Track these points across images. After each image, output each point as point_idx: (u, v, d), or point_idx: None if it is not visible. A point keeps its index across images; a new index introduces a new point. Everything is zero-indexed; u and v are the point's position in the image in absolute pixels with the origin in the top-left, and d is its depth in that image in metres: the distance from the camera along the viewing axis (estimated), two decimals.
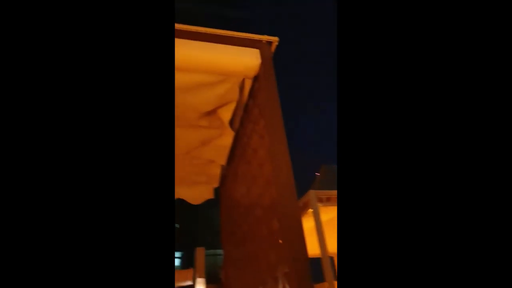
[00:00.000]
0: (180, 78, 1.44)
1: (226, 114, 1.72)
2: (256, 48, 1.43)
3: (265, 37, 1.45)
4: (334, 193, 3.05)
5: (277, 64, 1.50)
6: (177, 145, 1.92)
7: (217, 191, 2.63)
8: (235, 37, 1.44)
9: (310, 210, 2.96)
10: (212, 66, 1.42)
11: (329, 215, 3.40)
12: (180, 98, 1.52)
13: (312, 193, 3.01)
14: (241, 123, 1.88)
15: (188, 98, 1.54)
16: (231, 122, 1.85)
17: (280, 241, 1.23)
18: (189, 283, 2.72)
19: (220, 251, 3.18)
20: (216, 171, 2.41)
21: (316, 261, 2.66)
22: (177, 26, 1.35)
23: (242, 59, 1.41)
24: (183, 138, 1.88)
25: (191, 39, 1.36)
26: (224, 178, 2.50)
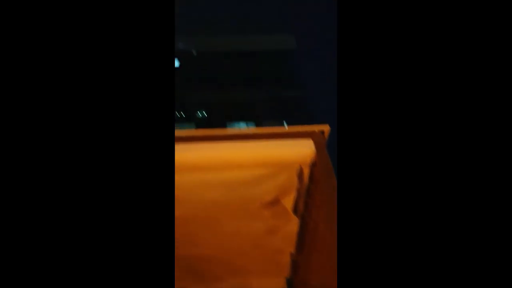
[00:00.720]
0: (241, 174, 1.56)
1: (288, 201, 1.74)
2: (310, 137, 1.50)
3: (317, 127, 1.54)
4: None
5: None
6: (243, 236, 1.95)
7: (291, 282, 2.48)
8: (289, 132, 1.55)
9: None
10: (270, 160, 1.52)
11: None
12: (241, 192, 1.62)
13: None
14: (306, 208, 1.86)
15: (249, 191, 1.63)
16: (295, 209, 1.84)
17: None
18: None
19: None
20: (286, 260, 2.31)
21: None
22: (238, 131, 1.54)
23: (297, 150, 1.50)
24: (248, 230, 1.92)
25: (250, 139, 1.52)
26: (295, 267, 2.37)
